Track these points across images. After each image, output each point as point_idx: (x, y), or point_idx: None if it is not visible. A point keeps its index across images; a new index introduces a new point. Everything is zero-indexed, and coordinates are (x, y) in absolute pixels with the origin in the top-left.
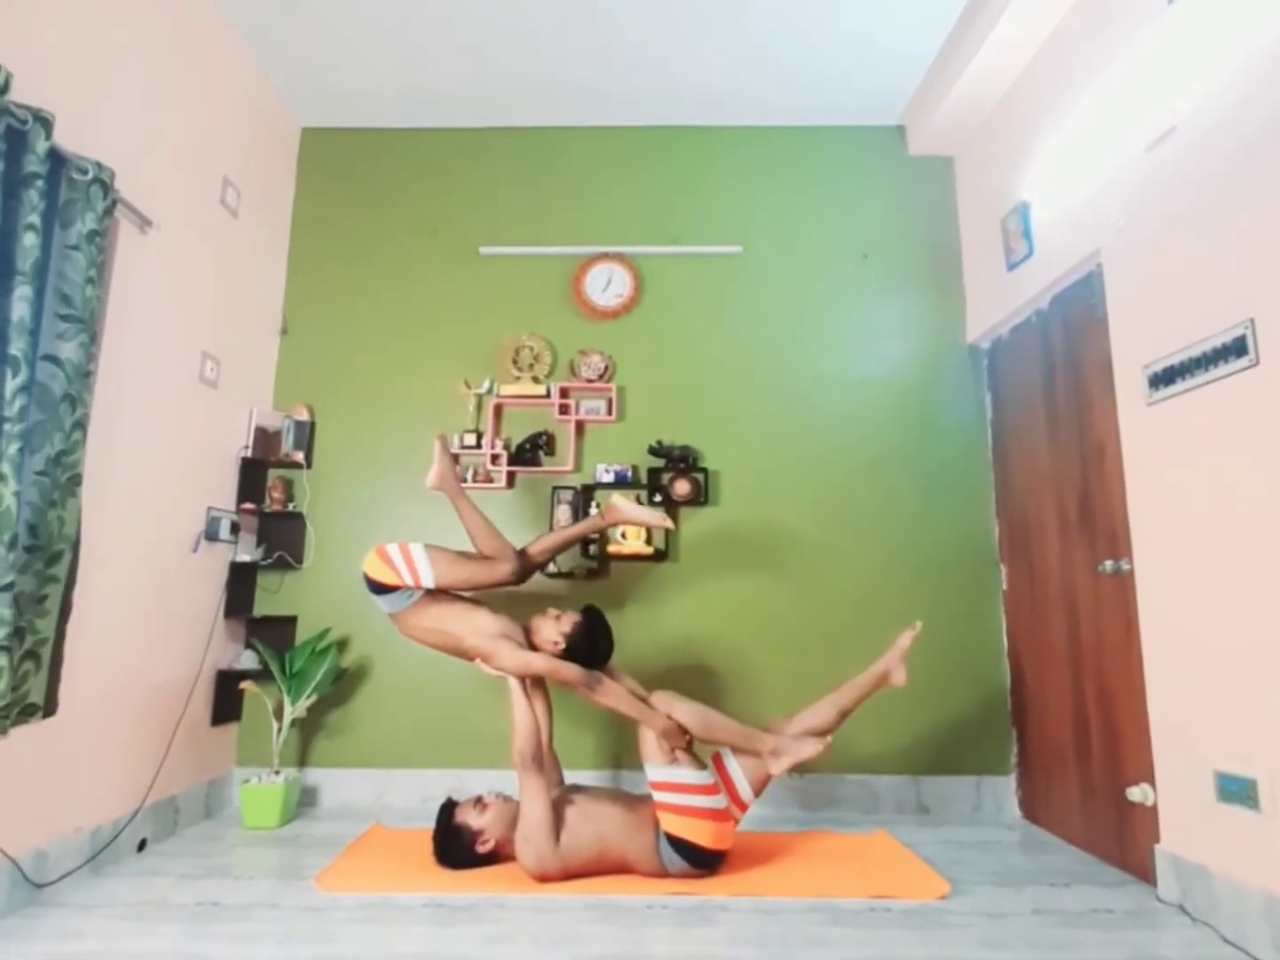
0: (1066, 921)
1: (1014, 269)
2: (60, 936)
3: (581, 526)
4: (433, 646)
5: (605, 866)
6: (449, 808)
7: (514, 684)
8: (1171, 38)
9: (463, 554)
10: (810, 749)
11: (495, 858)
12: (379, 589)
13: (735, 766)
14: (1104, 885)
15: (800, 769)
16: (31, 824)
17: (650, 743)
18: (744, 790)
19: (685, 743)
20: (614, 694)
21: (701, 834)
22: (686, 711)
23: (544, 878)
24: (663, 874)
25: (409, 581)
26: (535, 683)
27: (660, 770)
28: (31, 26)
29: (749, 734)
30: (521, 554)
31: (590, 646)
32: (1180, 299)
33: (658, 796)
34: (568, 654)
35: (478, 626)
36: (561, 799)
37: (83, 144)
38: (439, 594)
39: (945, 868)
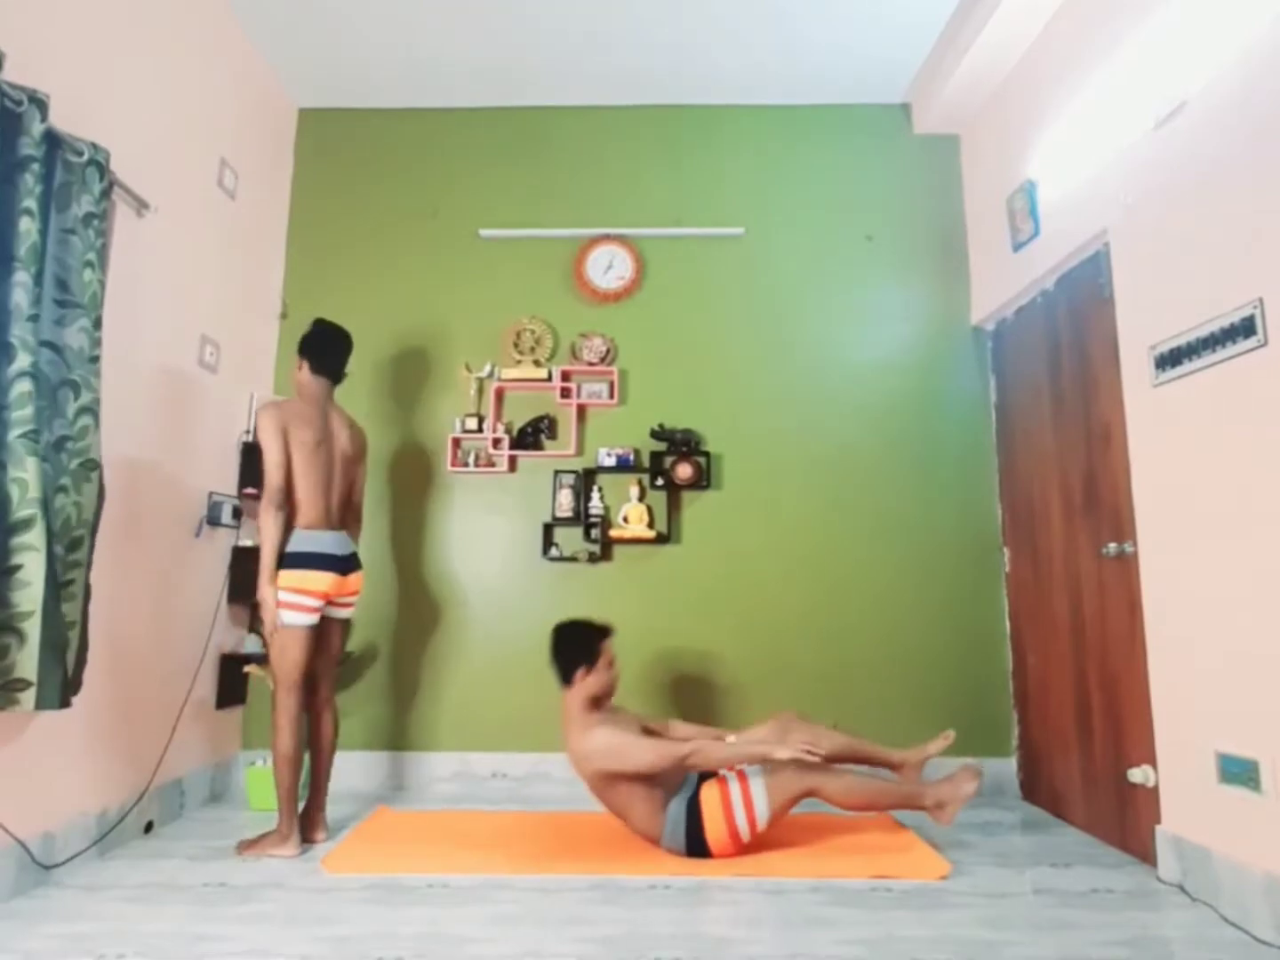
0: (1067, 902)
1: (1020, 249)
2: (68, 918)
3: None
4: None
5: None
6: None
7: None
8: (1182, 13)
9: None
10: (969, 786)
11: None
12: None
13: (759, 790)
14: (1104, 866)
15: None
16: (39, 807)
17: (781, 771)
18: (761, 810)
19: (819, 759)
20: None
21: (716, 826)
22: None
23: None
24: (654, 841)
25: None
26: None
27: (756, 771)
28: (24, 5)
29: (900, 793)
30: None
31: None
32: (1188, 279)
33: (725, 773)
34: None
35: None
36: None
37: (77, 126)
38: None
39: (946, 849)
